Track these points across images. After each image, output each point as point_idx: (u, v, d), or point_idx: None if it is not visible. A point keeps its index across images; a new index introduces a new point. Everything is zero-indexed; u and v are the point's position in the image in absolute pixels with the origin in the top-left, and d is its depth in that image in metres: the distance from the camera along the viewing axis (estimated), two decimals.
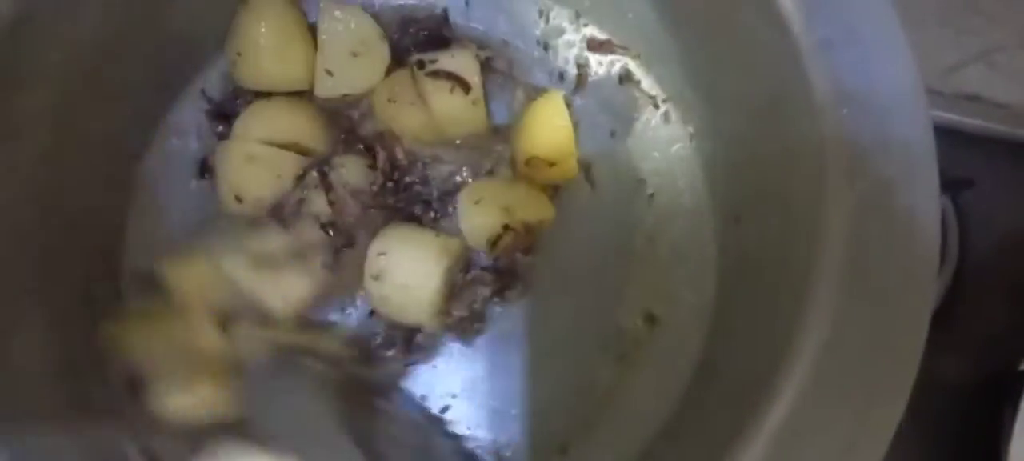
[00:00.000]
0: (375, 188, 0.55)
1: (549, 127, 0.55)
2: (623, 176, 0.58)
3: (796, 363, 0.40)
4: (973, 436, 0.64)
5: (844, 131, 0.42)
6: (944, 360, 0.70)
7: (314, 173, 0.54)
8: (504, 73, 0.59)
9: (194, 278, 0.52)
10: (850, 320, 0.40)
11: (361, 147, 0.57)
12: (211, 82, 0.58)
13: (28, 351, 0.47)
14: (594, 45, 0.60)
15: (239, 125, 0.56)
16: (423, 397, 0.56)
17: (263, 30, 0.54)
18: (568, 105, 0.57)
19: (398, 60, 0.57)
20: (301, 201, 0.54)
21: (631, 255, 0.57)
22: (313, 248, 0.54)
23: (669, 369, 0.54)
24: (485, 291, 0.55)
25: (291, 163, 0.55)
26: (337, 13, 0.56)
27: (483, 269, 0.56)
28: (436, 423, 0.55)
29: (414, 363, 0.56)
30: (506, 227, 0.54)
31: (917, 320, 0.39)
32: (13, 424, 0.43)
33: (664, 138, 0.58)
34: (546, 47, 0.60)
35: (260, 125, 0.55)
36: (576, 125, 0.57)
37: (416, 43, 0.58)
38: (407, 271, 0.53)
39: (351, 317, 0.56)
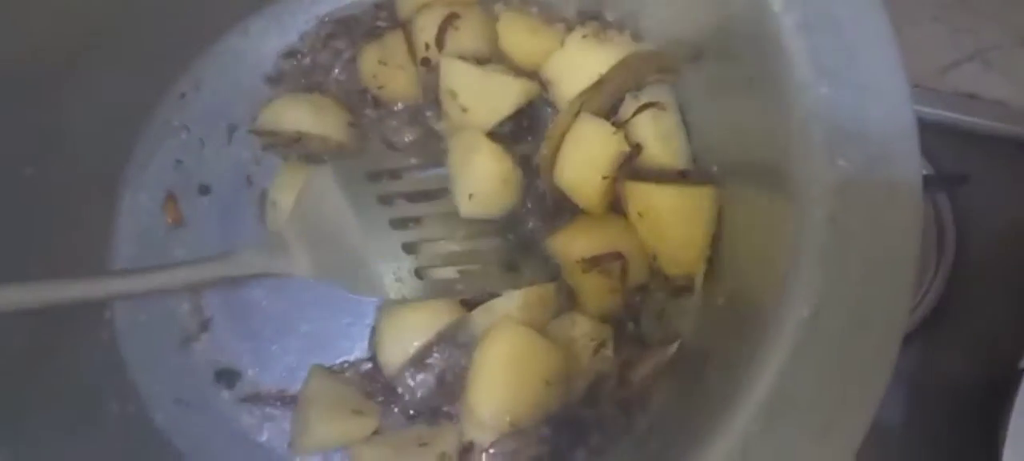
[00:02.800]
0: None
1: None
2: None
3: (778, 340, 0.39)
4: (971, 435, 0.63)
5: (824, 109, 0.41)
6: (942, 357, 0.69)
7: None
8: None
9: None
10: (832, 298, 0.39)
11: None
12: None
13: None
14: None
15: None
16: None
17: None
18: None
19: None
20: None
21: None
22: None
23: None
24: None
25: None
26: None
27: None
28: None
29: None
30: None
31: (898, 297, 0.38)
32: None
33: None
34: None
35: None
36: None
37: None
38: None
39: None
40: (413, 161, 0.59)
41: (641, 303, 0.56)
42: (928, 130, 0.74)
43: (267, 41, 0.64)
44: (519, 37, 0.59)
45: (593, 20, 0.59)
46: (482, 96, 0.56)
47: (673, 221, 0.53)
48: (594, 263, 0.54)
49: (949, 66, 0.76)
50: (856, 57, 0.41)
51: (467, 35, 0.59)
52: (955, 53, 0.77)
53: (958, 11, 0.79)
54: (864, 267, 0.39)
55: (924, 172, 0.71)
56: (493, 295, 0.56)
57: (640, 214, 0.54)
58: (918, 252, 0.39)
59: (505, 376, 0.52)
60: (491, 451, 0.53)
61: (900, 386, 0.68)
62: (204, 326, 0.60)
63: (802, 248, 0.41)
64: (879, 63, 0.41)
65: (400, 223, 0.57)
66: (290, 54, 0.64)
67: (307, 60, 0.63)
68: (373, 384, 0.58)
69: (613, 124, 0.56)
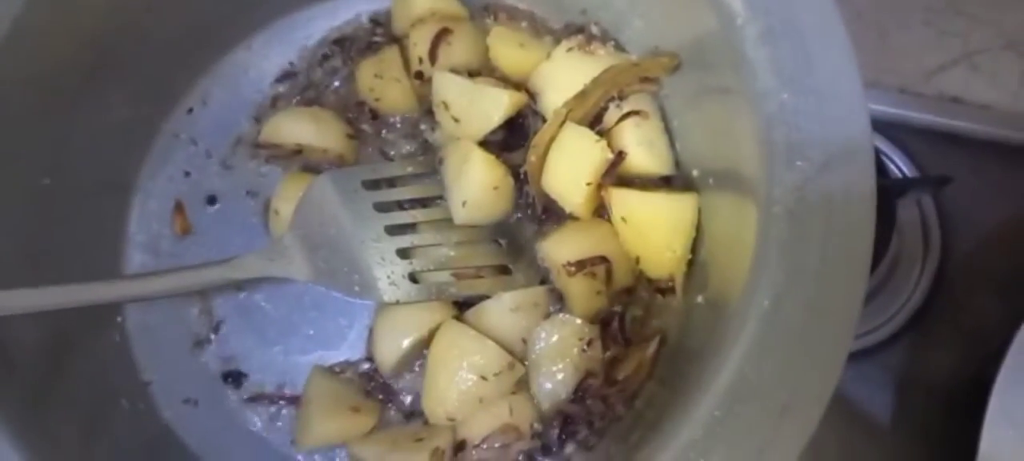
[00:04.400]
0: None
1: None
2: None
3: (742, 331, 0.41)
4: (958, 428, 0.64)
5: (785, 114, 0.43)
6: (929, 354, 0.71)
7: None
8: None
9: None
10: (791, 289, 0.41)
11: None
12: None
13: None
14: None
15: None
16: None
17: None
18: None
19: None
20: None
21: None
22: None
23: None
24: None
25: None
26: None
27: None
28: None
29: None
30: None
31: (854, 287, 0.40)
32: None
33: None
34: None
35: None
36: None
37: None
38: None
39: None
40: (409, 170, 0.62)
41: (626, 304, 0.58)
42: (914, 133, 0.75)
43: (270, 57, 0.67)
44: (508, 50, 0.62)
45: (578, 33, 0.62)
46: (473, 107, 0.59)
47: (656, 227, 0.56)
48: (580, 267, 0.56)
49: (936, 70, 0.78)
50: (814, 65, 0.44)
51: (459, 49, 0.62)
52: (943, 57, 0.79)
53: (948, 15, 0.80)
54: (821, 260, 0.41)
55: (910, 175, 0.73)
56: (485, 297, 0.58)
57: (624, 219, 0.56)
58: (871, 245, 0.41)
59: (438, 372, 0.56)
60: (483, 446, 0.56)
61: (888, 382, 0.69)
62: (214, 328, 0.63)
63: (765, 244, 0.43)
64: (836, 70, 0.44)
65: (396, 229, 0.60)
66: (290, 71, 0.67)
67: (306, 76, 0.67)
68: (371, 383, 0.60)
69: (597, 132, 0.58)
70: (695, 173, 0.57)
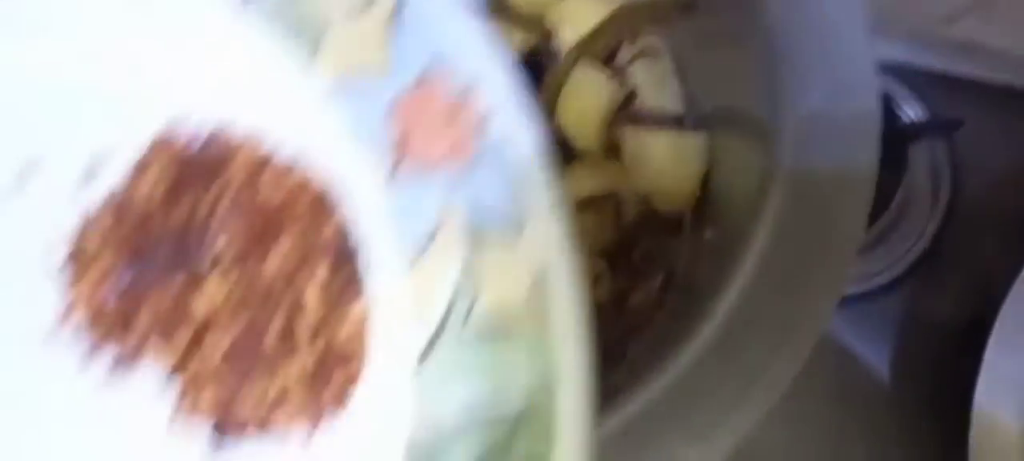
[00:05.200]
0: None
1: None
2: None
3: (743, 265, 0.43)
4: (954, 375, 0.65)
5: (791, 52, 0.45)
6: (931, 300, 0.72)
7: None
8: None
9: None
10: (792, 223, 0.43)
11: None
12: None
13: None
14: None
15: None
16: None
17: None
18: None
19: None
20: None
21: None
22: None
23: None
24: None
25: None
26: None
27: None
28: None
29: None
30: None
31: (855, 221, 0.42)
32: None
33: None
34: None
35: None
36: None
37: None
38: None
39: None
40: None
41: (634, 240, 0.59)
42: (928, 79, 0.76)
43: None
44: None
45: None
46: None
47: (666, 165, 0.57)
48: (589, 203, 0.58)
49: (950, 15, 0.78)
50: (820, 4, 0.45)
51: None
52: (958, 1, 0.79)
53: None
54: (823, 194, 0.43)
55: (921, 118, 0.74)
56: None
57: (634, 157, 0.58)
58: (874, 175, 0.42)
59: None
60: None
61: (891, 323, 0.71)
62: None
63: (769, 179, 0.44)
64: (841, 9, 0.44)
65: None
66: None
67: None
68: None
69: (610, 70, 0.59)
70: (705, 111, 0.58)
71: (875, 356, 0.69)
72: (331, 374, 0.35)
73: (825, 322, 0.41)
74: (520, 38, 0.59)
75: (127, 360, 0.37)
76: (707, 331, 0.42)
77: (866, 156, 0.42)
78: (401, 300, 0.35)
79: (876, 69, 0.44)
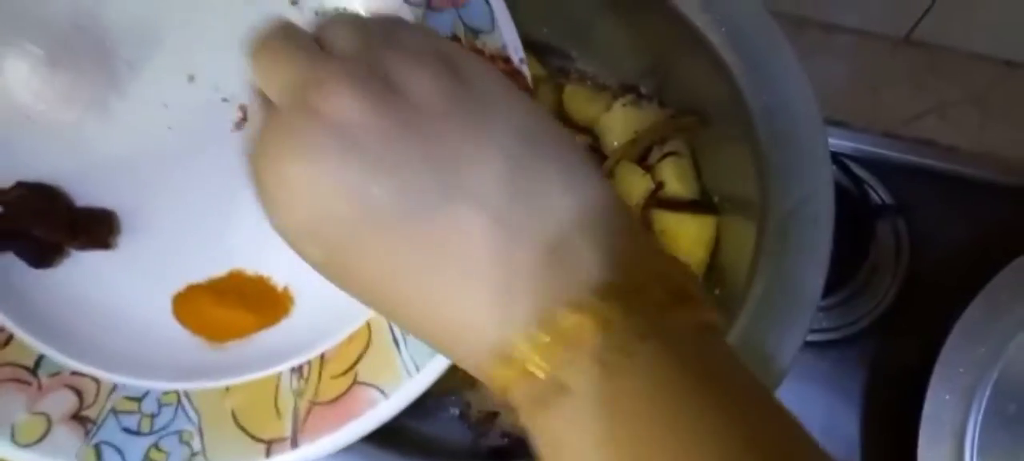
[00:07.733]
0: None
1: None
2: None
3: (745, 309, 0.61)
4: (913, 401, 0.81)
5: (776, 164, 0.64)
6: (894, 344, 0.87)
7: None
8: None
9: None
10: (777, 280, 0.61)
11: None
12: None
13: None
14: None
15: None
16: None
17: None
18: None
19: None
20: None
21: None
22: None
23: None
24: None
25: None
26: None
27: None
28: None
29: None
30: None
31: (816, 275, 0.60)
32: None
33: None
34: None
35: None
36: None
37: None
38: None
39: None
40: None
41: None
42: (894, 168, 0.93)
43: None
44: (578, 104, 0.80)
45: (631, 92, 0.81)
46: None
47: (684, 239, 0.75)
48: None
49: (914, 117, 0.97)
50: (797, 131, 0.64)
51: (540, 101, 0.82)
52: (920, 107, 0.97)
53: (926, 75, 0.99)
54: (798, 260, 0.61)
55: (887, 201, 0.92)
56: None
57: (661, 232, 0.77)
58: (829, 254, 0.61)
59: None
60: None
61: (863, 363, 0.87)
62: None
63: (760, 252, 0.63)
64: (810, 136, 0.64)
65: None
66: None
67: None
68: None
69: (644, 167, 0.79)
70: (715, 199, 0.77)
71: (847, 391, 0.85)
72: None
73: (797, 346, 0.59)
74: (577, 140, 0.79)
75: None
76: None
77: (823, 245, 0.61)
78: None
79: (833, 180, 0.63)
